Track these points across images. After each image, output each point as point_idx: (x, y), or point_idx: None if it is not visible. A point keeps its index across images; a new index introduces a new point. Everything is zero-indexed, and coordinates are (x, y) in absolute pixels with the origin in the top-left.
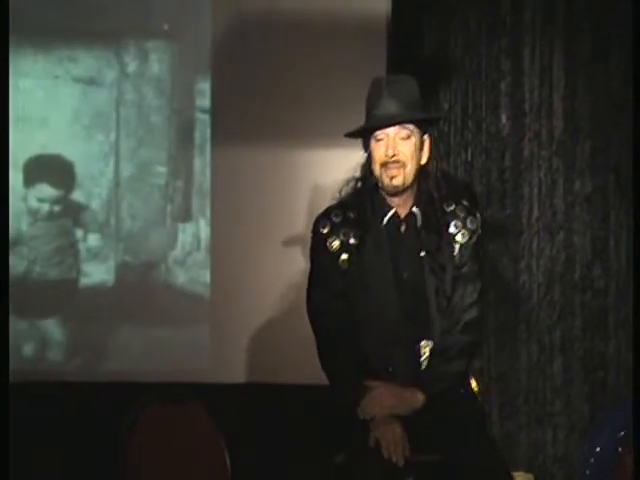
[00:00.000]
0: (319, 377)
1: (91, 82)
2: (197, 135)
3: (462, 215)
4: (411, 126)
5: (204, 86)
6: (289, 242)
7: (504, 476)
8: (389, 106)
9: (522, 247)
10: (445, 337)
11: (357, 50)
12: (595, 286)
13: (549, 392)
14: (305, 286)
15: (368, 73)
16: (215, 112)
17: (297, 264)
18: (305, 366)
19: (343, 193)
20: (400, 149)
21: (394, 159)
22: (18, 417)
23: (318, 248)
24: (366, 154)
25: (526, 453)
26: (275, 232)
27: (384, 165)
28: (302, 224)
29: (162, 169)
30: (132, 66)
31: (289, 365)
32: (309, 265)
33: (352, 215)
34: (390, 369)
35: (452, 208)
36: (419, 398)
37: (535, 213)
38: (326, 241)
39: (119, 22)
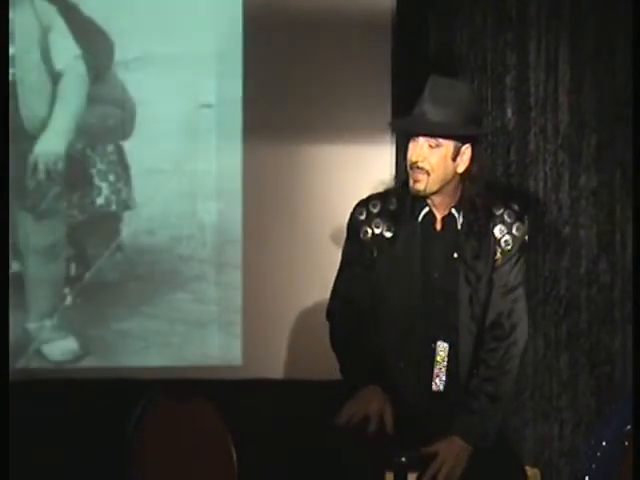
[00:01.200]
0: (331, 374)
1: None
2: (202, 131)
3: (509, 220)
4: None
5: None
6: (299, 241)
7: (517, 470)
8: (427, 112)
9: (528, 241)
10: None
11: (361, 46)
12: (601, 280)
13: (555, 387)
14: (318, 283)
15: (372, 69)
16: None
17: (312, 261)
18: (316, 363)
19: (394, 182)
20: (426, 156)
21: (417, 165)
22: (22, 416)
23: (351, 234)
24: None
25: (532, 448)
26: (284, 230)
27: (411, 168)
28: (309, 221)
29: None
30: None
31: (299, 362)
32: (342, 249)
33: (390, 207)
34: (402, 365)
35: (500, 212)
36: (460, 447)
37: (541, 207)
38: (360, 229)
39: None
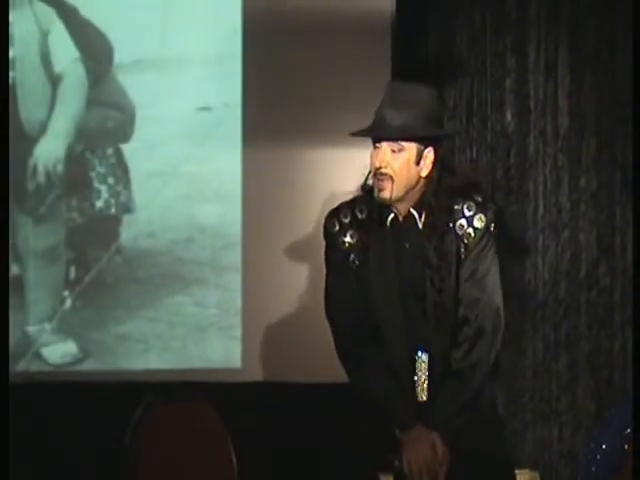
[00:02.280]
0: (329, 376)
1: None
2: (202, 134)
3: (470, 213)
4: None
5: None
6: (299, 243)
7: (505, 472)
8: (387, 116)
9: (527, 245)
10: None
11: (361, 48)
12: (601, 283)
13: (555, 389)
14: (319, 286)
15: (372, 71)
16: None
17: (311, 264)
18: (315, 366)
19: (365, 188)
20: (389, 161)
21: (381, 171)
22: (22, 418)
23: (330, 246)
24: None
25: (532, 451)
26: (284, 233)
27: (375, 175)
28: (309, 223)
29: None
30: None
31: (298, 364)
32: (325, 263)
33: (360, 216)
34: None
35: (460, 206)
36: (422, 434)
37: (540, 210)
38: (337, 240)
39: None
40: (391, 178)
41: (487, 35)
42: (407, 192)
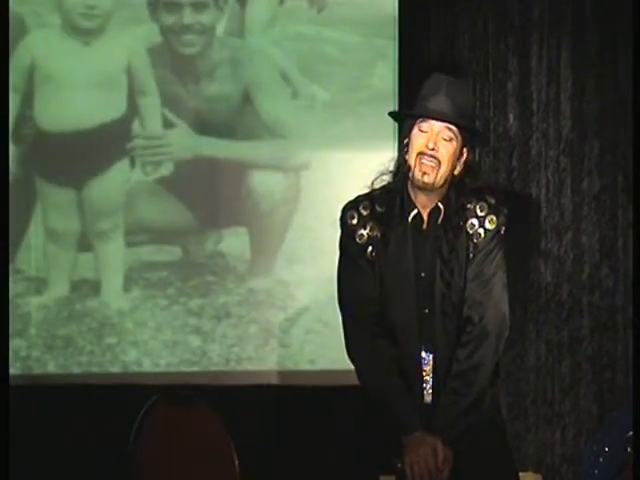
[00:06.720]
0: (328, 379)
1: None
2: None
3: (482, 214)
4: (456, 130)
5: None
6: (289, 245)
7: (509, 474)
8: (444, 104)
9: (530, 247)
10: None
11: (365, 50)
12: (603, 286)
13: (557, 392)
14: (321, 288)
15: (376, 74)
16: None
17: (316, 264)
18: (316, 370)
19: (376, 185)
20: (440, 147)
21: (432, 153)
22: (23, 421)
23: (347, 238)
24: (402, 149)
25: (534, 453)
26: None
27: (421, 155)
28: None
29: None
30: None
31: (300, 368)
32: (339, 255)
33: (380, 209)
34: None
35: (473, 205)
36: (424, 440)
37: (543, 213)
38: (354, 232)
39: None
40: (439, 163)
41: (489, 37)
42: (444, 184)
